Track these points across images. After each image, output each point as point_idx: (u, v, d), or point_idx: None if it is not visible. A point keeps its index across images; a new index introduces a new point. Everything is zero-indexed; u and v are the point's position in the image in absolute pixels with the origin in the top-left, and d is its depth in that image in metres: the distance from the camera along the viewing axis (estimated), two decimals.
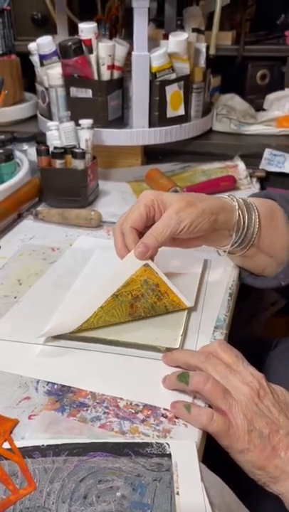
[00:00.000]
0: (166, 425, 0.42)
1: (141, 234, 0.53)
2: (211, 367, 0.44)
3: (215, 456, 0.41)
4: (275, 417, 0.42)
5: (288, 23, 1.15)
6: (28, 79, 1.14)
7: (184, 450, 0.39)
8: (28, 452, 0.39)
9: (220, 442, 0.41)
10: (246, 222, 0.56)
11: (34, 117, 1.14)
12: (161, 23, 1.09)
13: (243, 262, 0.62)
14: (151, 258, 0.53)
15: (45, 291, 0.60)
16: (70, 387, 0.46)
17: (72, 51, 0.83)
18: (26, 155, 0.95)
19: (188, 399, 0.44)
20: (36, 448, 0.39)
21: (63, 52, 0.84)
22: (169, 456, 0.39)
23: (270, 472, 0.40)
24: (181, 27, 0.99)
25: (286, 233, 0.58)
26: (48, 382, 0.46)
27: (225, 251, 0.58)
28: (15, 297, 0.60)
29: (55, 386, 0.46)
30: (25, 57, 1.06)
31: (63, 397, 0.45)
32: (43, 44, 0.88)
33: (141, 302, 0.52)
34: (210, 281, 0.62)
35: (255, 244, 0.57)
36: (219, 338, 0.52)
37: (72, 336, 0.51)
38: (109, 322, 0.52)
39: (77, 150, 0.79)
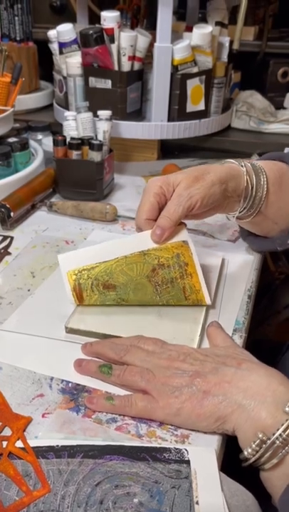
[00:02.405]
0: (185, 430, 0.40)
1: None
2: (131, 358, 0.44)
3: (233, 465, 0.39)
4: (199, 368, 0.42)
5: None
6: (44, 67, 1.12)
7: (203, 457, 0.38)
8: (42, 452, 0.38)
9: (156, 419, 0.41)
10: (254, 187, 0.54)
11: (49, 107, 1.12)
12: (182, 15, 1.07)
13: (249, 227, 0.62)
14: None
15: (59, 285, 0.59)
16: (84, 386, 0.44)
17: (94, 40, 0.81)
18: (41, 145, 0.93)
19: None
20: (50, 448, 0.38)
21: (84, 40, 0.82)
22: (188, 462, 0.37)
23: (212, 415, 0.39)
24: (202, 20, 0.97)
25: None
26: (62, 380, 0.45)
27: (234, 216, 0.58)
28: (28, 290, 0.58)
29: (70, 384, 0.44)
30: (41, 45, 1.04)
31: (78, 397, 0.43)
32: (63, 31, 0.85)
33: (164, 271, 0.52)
34: (228, 281, 0.61)
35: (262, 210, 0.57)
36: (238, 341, 0.51)
37: (88, 332, 0.50)
38: (126, 275, 0.51)
39: (94, 141, 0.77)
